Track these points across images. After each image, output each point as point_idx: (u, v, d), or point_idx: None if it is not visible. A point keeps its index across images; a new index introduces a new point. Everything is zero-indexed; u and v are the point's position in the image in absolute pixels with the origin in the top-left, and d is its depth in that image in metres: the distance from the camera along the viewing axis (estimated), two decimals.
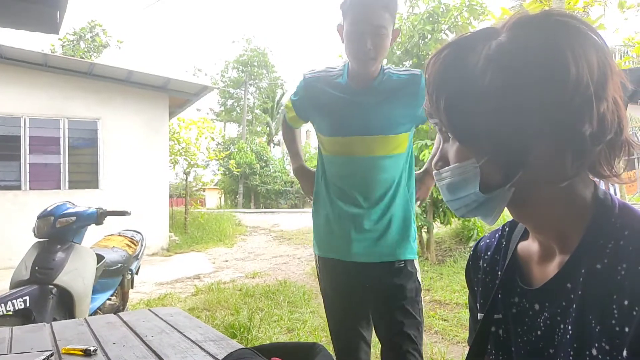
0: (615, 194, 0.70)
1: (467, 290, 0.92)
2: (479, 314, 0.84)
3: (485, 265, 0.86)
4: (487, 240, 0.89)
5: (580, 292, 0.64)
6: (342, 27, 1.68)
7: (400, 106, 1.72)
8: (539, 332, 0.71)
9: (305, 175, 1.96)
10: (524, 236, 0.81)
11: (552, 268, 0.71)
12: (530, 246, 0.78)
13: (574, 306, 0.65)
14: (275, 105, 32.11)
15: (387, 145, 1.74)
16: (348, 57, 1.70)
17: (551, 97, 0.61)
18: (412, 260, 1.76)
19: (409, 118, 1.75)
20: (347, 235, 1.74)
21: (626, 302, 0.58)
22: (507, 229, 0.86)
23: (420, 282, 1.77)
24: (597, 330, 0.61)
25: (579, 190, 0.68)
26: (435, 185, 1.70)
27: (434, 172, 0.76)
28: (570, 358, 0.64)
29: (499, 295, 0.79)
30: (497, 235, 0.87)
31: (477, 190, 0.68)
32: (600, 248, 0.64)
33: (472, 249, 0.92)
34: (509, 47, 0.64)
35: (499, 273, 0.81)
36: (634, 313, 0.57)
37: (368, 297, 1.78)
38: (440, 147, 0.75)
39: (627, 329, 0.58)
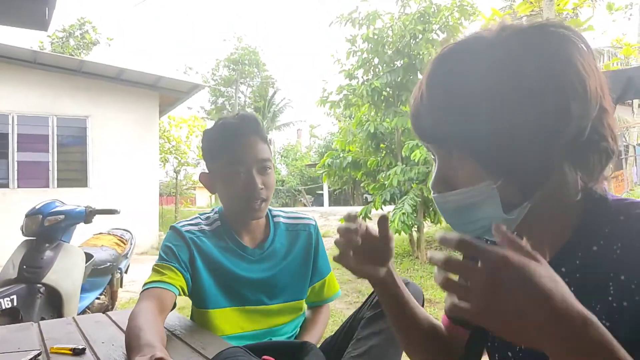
0: None
1: None
2: None
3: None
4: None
5: (578, 275, 0.65)
6: (207, 175, 1.45)
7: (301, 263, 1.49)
8: None
9: None
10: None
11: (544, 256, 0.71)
12: None
13: (572, 289, 0.65)
14: (266, 104, 32.07)
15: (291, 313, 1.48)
16: (229, 205, 1.43)
17: (573, 107, 0.61)
18: None
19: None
20: None
21: (622, 277, 0.59)
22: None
23: None
24: (597, 309, 0.61)
25: (576, 196, 0.68)
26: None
27: (433, 195, 0.71)
28: None
29: None
30: None
31: (499, 212, 0.65)
32: (596, 232, 0.64)
33: None
34: (513, 59, 0.62)
35: None
36: (633, 287, 0.58)
37: None
38: (436, 169, 0.70)
39: (625, 304, 0.59)
